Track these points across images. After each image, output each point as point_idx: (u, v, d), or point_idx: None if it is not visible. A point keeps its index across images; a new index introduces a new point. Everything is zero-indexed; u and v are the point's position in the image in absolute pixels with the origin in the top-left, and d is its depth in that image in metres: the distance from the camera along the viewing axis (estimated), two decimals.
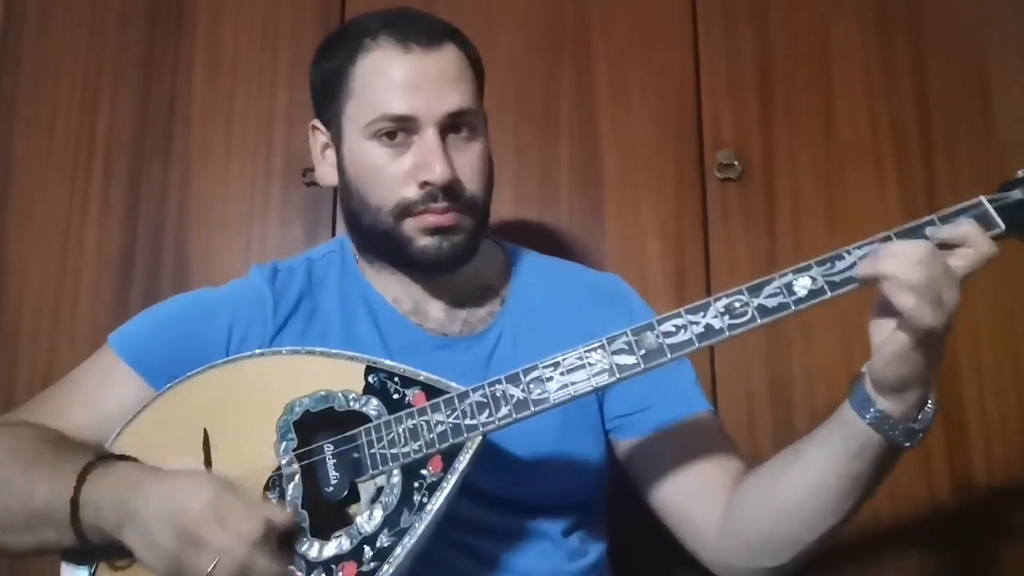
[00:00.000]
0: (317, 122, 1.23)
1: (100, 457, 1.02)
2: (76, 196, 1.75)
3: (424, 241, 1.13)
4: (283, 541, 0.97)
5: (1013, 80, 1.72)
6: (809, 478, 1.00)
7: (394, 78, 1.12)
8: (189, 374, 1.09)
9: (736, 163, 1.70)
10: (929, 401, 0.94)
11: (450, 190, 1.12)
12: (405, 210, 1.12)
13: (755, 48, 1.76)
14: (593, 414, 1.21)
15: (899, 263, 0.88)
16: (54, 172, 1.76)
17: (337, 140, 1.19)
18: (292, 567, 0.97)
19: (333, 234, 1.72)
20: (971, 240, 0.91)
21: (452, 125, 1.14)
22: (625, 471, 1.22)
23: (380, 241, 1.17)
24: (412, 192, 1.12)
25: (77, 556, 1.03)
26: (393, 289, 1.22)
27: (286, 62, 1.79)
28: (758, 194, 1.71)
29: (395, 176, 1.12)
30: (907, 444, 0.94)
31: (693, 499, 1.14)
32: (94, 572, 1.03)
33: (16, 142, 1.78)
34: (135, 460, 1.03)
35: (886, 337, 0.91)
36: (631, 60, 1.77)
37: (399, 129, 1.12)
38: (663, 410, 1.18)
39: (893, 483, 1.57)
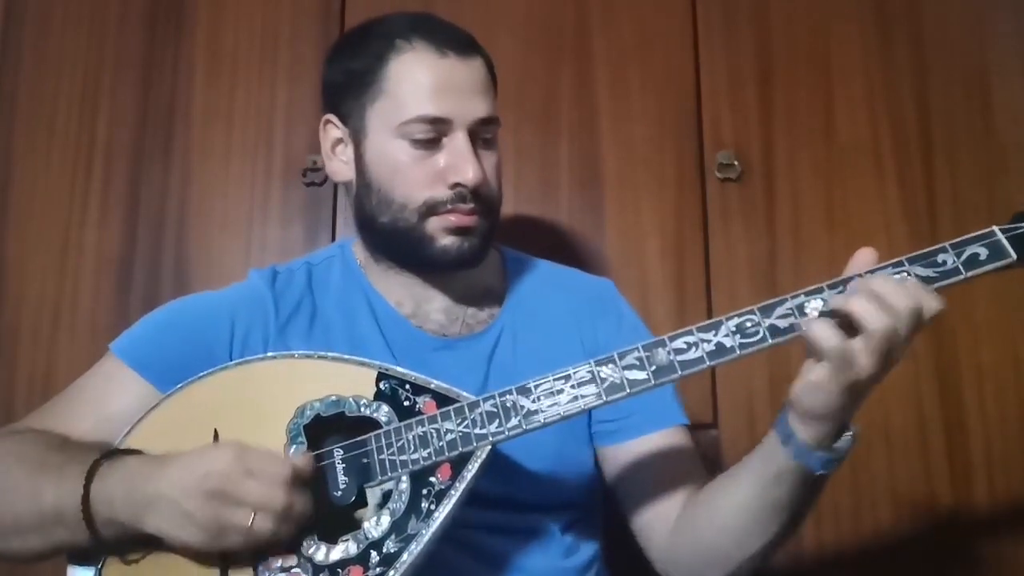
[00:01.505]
0: (332, 117, 1.22)
1: (106, 454, 1.02)
2: (76, 196, 1.75)
3: (446, 240, 1.15)
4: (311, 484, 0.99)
5: (1013, 80, 1.73)
6: (737, 498, 1.04)
7: (430, 80, 1.13)
8: (200, 375, 1.09)
9: (736, 163, 1.70)
10: (848, 433, 0.95)
11: (478, 193, 1.14)
12: (432, 208, 1.14)
13: (755, 48, 1.76)
14: (584, 418, 1.23)
15: (876, 313, 0.88)
16: (54, 172, 1.75)
17: (358, 137, 1.19)
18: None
19: (333, 234, 1.72)
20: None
21: (478, 132, 1.16)
22: (602, 477, 1.24)
23: (397, 239, 1.17)
24: (441, 192, 1.14)
25: (84, 556, 1.03)
26: (396, 291, 1.23)
27: (286, 62, 1.78)
28: (758, 194, 1.71)
29: (424, 175, 1.14)
30: (820, 472, 0.95)
31: (650, 512, 1.17)
32: (100, 570, 1.02)
33: (16, 142, 1.77)
34: (140, 452, 1.03)
35: (811, 364, 0.92)
36: (631, 60, 1.77)
37: (432, 131, 1.13)
38: (640, 421, 1.21)
39: (893, 483, 1.59)
